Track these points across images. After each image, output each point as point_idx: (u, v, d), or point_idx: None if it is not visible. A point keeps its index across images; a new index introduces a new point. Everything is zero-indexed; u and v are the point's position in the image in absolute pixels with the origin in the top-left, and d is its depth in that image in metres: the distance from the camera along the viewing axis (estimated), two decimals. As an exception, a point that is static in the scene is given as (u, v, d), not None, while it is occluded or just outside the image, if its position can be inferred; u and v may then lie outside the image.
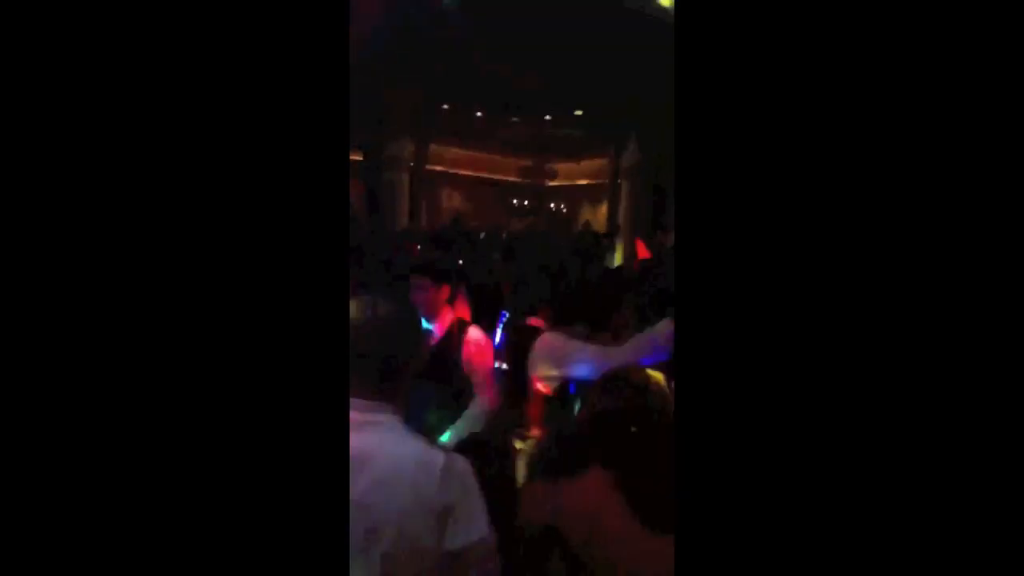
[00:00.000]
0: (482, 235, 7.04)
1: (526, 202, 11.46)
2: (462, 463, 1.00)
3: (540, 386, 1.80)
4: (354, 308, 1.03)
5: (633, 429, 1.03)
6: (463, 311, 2.55)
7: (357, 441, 0.91)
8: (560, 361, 1.74)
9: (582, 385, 1.66)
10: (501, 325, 2.68)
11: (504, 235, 7.57)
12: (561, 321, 1.91)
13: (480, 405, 2.09)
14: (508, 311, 2.74)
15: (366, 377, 1.01)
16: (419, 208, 8.59)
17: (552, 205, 11.66)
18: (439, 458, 0.99)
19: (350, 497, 0.87)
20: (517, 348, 2.02)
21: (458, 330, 2.16)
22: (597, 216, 10.18)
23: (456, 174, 10.74)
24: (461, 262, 3.21)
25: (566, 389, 1.76)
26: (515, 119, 8.14)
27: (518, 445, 1.72)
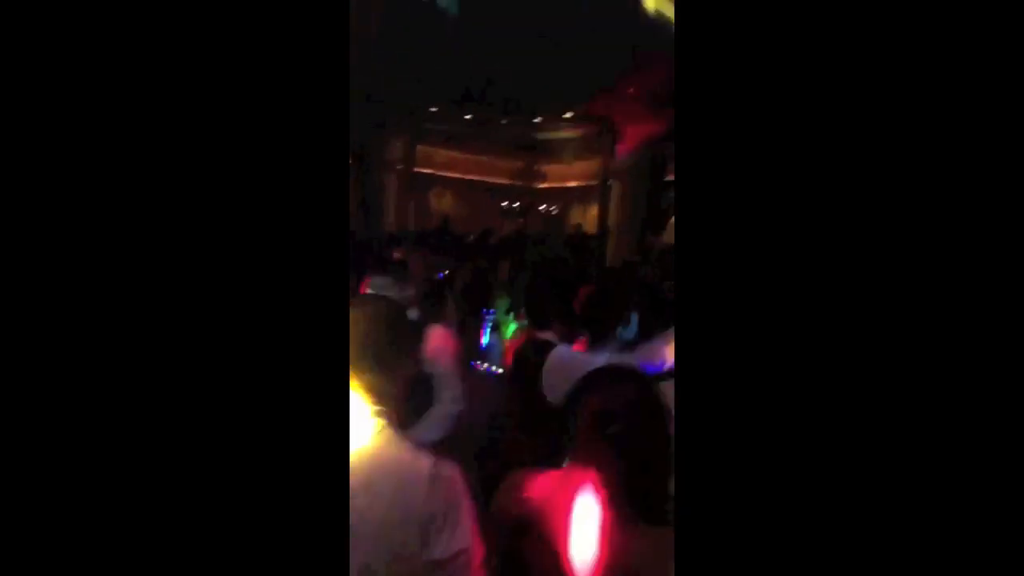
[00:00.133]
0: (471, 237, 7.02)
1: (516, 204, 11.45)
2: (450, 469, 0.98)
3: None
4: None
5: (617, 429, 1.01)
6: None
7: None
8: (573, 375, 1.72)
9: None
10: (488, 325, 2.63)
11: (494, 237, 7.55)
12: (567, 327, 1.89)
13: (444, 406, 1.97)
14: (494, 310, 2.70)
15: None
16: (408, 210, 8.56)
17: (543, 207, 11.66)
18: (426, 464, 0.96)
19: None
20: (528, 362, 1.96)
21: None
22: (587, 218, 10.18)
23: (445, 176, 10.71)
24: (445, 273, 3.16)
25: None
26: (504, 120, 8.14)
27: None
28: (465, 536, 0.96)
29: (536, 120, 7.97)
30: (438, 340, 2.05)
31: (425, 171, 9.91)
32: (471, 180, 11.07)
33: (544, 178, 11.78)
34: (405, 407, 1.08)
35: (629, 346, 1.87)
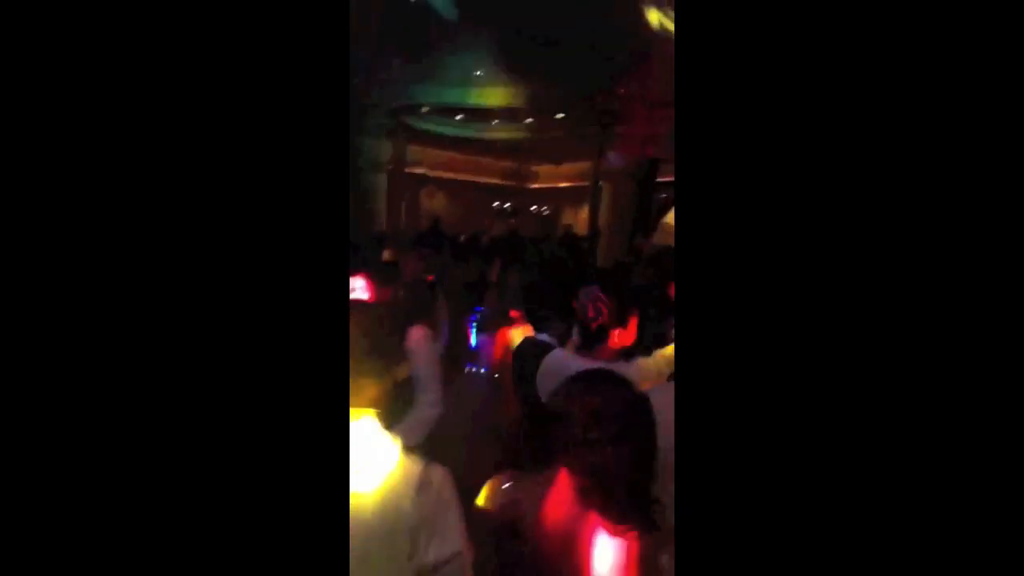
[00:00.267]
0: (462, 238, 7.00)
1: (507, 204, 11.44)
2: (440, 474, 0.99)
3: None
4: None
5: (594, 434, 1.01)
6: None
7: None
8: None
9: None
10: (474, 325, 2.62)
11: (486, 238, 7.54)
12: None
13: (421, 410, 1.92)
14: (481, 310, 2.69)
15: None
16: (399, 210, 8.52)
17: (534, 207, 11.66)
18: (416, 469, 0.97)
19: None
20: (526, 363, 1.95)
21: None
22: (579, 219, 10.19)
23: (437, 176, 10.68)
24: (432, 277, 3.15)
25: None
26: (496, 121, 8.12)
27: None
28: (456, 540, 0.97)
29: (528, 121, 7.97)
30: (416, 341, 2.01)
31: (417, 171, 9.88)
32: (463, 180, 11.05)
33: (535, 179, 11.78)
34: (389, 411, 1.07)
35: (625, 354, 1.86)
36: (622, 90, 6.28)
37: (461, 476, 1.11)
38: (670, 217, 7.43)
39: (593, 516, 1.00)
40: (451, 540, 0.96)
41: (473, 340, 2.55)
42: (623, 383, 1.10)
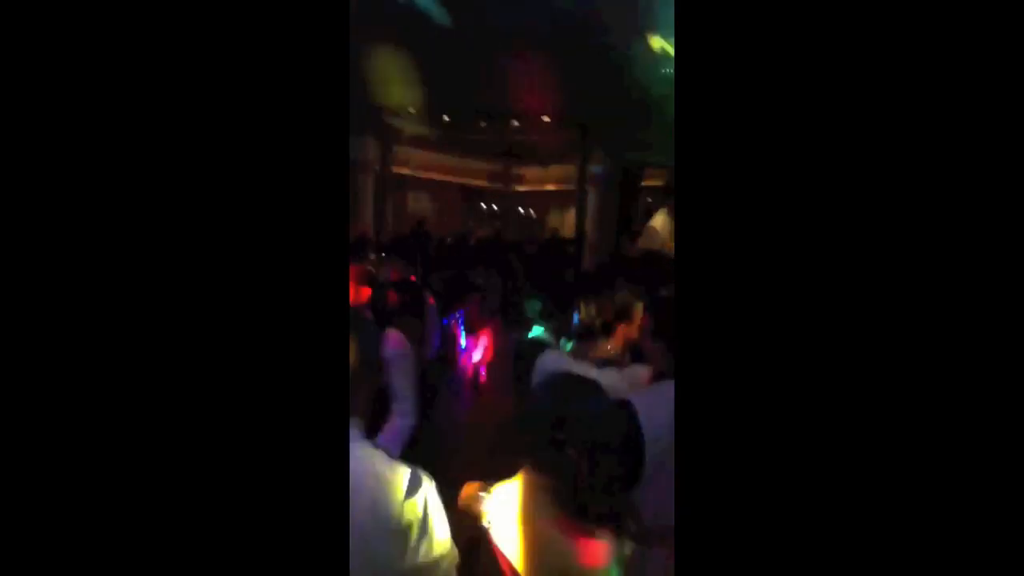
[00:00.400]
0: (448, 240, 6.98)
1: (493, 207, 11.43)
2: (424, 479, 1.00)
3: None
4: None
5: (561, 437, 1.01)
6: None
7: None
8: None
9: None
10: (462, 327, 2.60)
11: (471, 240, 7.52)
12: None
13: (395, 422, 1.81)
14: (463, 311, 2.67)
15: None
16: (385, 211, 8.47)
17: (520, 210, 11.67)
18: (401, 474, 0.97)
19: None
20: (518, 364, 1.92)
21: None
22: (565, 222, 10.21)
23: (422, 178, 10.64)
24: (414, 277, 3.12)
25: None
26: (482, 123, 8.12)
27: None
28: (445, 542, 0.98)
29: (514, 123, 7.99)
30: (390, 348, 1.93)
31: (402, 172, 9.84)
32: (448, 182, 11.02)
33: (522, 181, 11.80)
34: (369, 418, 1.07)
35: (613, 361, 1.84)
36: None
37: (450, 480, 1.11)
38: (656, 221, 7.48)
39: (563, 519, 1.00)
40: (439, 542, 0.98)
41: (463, 341, 2.53)
42: (594, 389, 1.10)
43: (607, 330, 1.81)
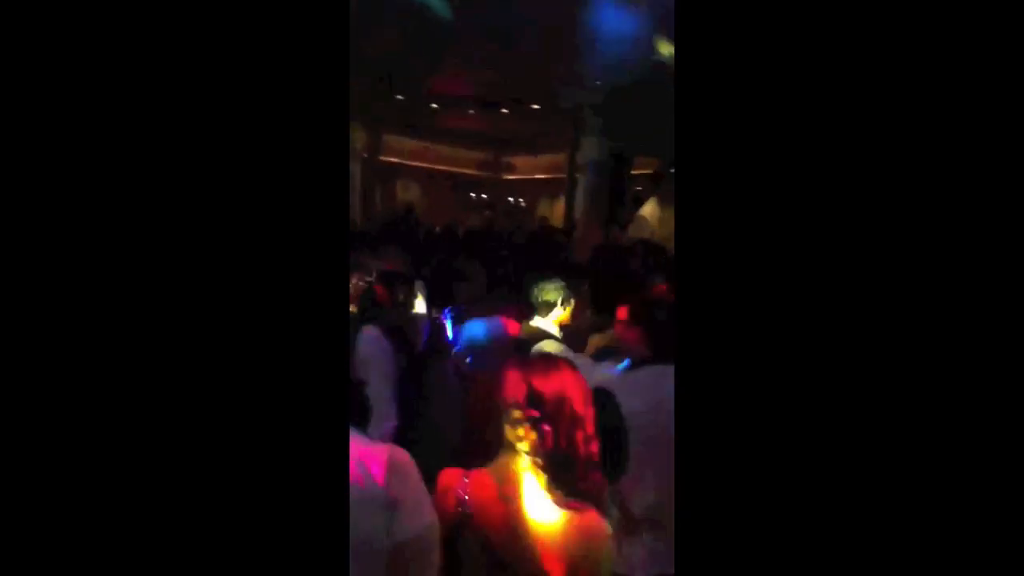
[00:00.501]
0: (437, 229, 6.93)
1: (483, 195, 11.38)
2: (403, 455, 1.03)
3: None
4: None
5: (536, 414, 1.04)
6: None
7: None
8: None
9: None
10: (448, 321, 2.58)
11: (461, 229, 7.47)
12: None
13: (374, 428, 1.65)
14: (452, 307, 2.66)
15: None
16: (372, 199, 8.41)
17: (510, 199, 11.62)
18: (382, 452, 1.00)
19: None
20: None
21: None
22: (554, 211, 10.19)
23: (411, 166, 10.56)
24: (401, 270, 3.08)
25: None
26: (471, 111, 8.06)
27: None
28: (425, 517, 1.01)
29: (503, 111, 7.93)
30: (366, 346, 1.81)
31: (391, 160, 9.75)
32: (438, 170, 10.95)
33: (512, 170, 11.74)
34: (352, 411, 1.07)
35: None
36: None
37: (433, 467, 1.12)
38: (646, 210, 7.48)
39: (545, 496, 1.03)
40: (424, 515, 1.00)
41: (450, 334, 2.52)
42: (562, 366, 1.12)
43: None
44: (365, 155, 8.06)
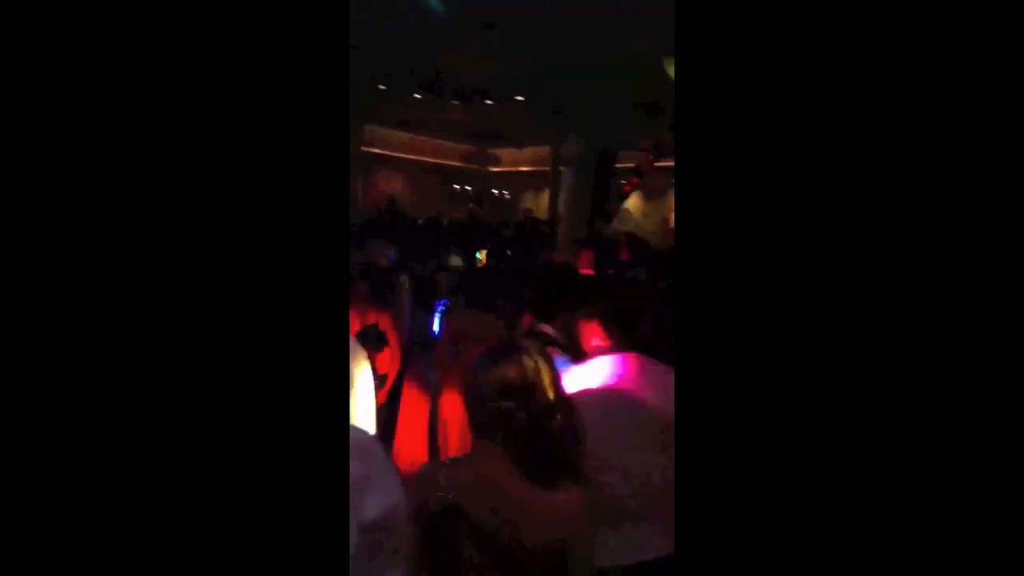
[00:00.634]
0: (420, 221, 6.89)
1: (468, 188, 11.33)
2: (369, 437, 1.07)
3: None
4: None
5: (510, 405, 1.06)
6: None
7: None
8: None
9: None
10: (438, 316, 2.56)
11: (445, 221, 7.44)
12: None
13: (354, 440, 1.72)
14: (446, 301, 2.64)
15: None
16: (354, 191, 8.32)
17: (495, 191, 11.59)
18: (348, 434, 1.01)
19: None
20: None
21: None
22: (539, 204, 10.18)
23: (394, 157, 10.46)
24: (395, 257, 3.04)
25: None
26: (455, 102, 7.99)
27: None
28: (392, 496, 1.03)
29: (488, 103, 7.88)
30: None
31: (374, 151, 9.65)
32: (421, 162, 10.87)
33: (496, 162, 11.70)
34: None
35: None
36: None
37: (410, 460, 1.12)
38: (630, 203, 7.51)
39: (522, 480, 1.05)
40: (388, 496, 1.02)
41: (436, 327, 2.50)
42: (533, 352, 1.13)
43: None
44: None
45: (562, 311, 1.77)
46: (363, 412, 1.83)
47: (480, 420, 1.09)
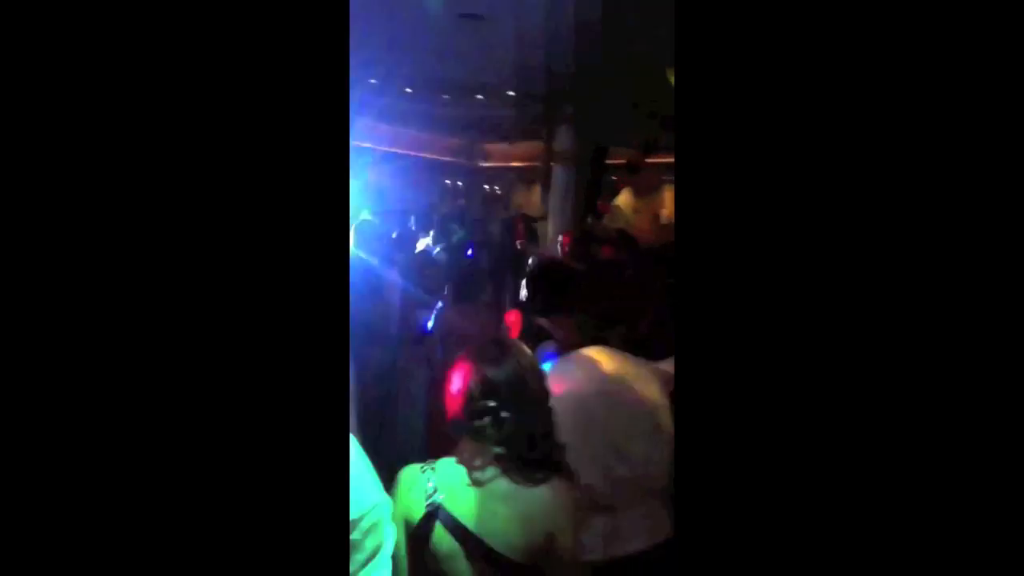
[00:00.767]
0: (412, 217, 6.86)
1: (459, 183, 11.29)
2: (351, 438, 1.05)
3: None
4: None
5: (492, 403, 1.06)
6: None
7: None
8: None
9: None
10: (435, 314, 2.56)
11: (435, 216, 7.41)
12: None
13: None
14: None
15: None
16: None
17: (486, 186, 11.56)
18: None
19: None
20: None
21: None
22: (530, 199, 10.17)
23: (385, 151, 10.39)
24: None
25: None
26: (446, 96, 7.95)
27: None
28: (373, 492, 1.03)
29: (479, 97, 7.85)
30: None
31: (364, 145, 9.58)
32: (412, 156, 10.81)
33: (487, 157, 11.67)
34: None
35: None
36: None
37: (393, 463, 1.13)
38: (620, 199, 7.53)
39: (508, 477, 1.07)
40: (371, 492, 1.02)
41: (429, 325, 2.49)
42: (515, 349, 1.14)
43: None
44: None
45: (556, 307, 1.77)
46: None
47: (465, 418, 1.09)
